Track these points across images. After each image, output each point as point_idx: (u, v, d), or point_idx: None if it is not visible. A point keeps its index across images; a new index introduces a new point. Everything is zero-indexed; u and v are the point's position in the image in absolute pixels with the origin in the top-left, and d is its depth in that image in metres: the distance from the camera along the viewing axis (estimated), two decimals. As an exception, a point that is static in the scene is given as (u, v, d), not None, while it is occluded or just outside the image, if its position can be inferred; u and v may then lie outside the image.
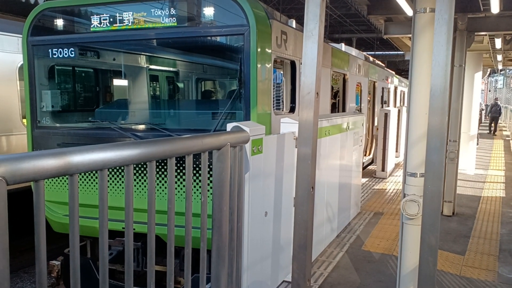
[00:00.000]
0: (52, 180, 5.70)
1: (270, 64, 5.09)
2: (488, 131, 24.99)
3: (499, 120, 26.98)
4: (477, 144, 14.88)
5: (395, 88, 16.03)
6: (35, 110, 5.84)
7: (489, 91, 51.25)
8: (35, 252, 1.79)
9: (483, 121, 27.76)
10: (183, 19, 5.18)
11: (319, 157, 5.03)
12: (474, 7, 6.45)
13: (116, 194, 5.33)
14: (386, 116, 10.59)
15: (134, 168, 5.11)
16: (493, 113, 25.04)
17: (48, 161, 1.76)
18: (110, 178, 5.34)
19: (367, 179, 10.40)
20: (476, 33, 7.57)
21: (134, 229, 2.40)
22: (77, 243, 2.00)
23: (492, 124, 24.97)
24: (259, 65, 4.85)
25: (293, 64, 5.83)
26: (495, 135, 23.97)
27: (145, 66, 6.73)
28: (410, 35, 3.64)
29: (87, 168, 1.95)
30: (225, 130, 3.45)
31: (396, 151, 12.29)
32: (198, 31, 5.19)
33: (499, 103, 26.94)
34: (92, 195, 5.45)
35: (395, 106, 15.33)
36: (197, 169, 4.73)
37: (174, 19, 5.10)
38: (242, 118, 4.90)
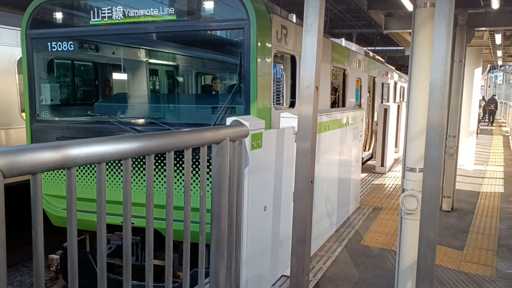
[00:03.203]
0: (52, 173, 5.70)
1: (270, 59, 5.08)
2: (486, 123, 28.86)
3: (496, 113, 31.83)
4: (477, 133, 15.02)
5: (395, 84, 16.01)
6: (34, 103, 5.82)
7: (489, 87, 51.18)
8: (33, 245, 1.78)
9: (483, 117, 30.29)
10: (182, 13, 5.16)
11: (318, 152, 5.02)
12: (475, 3, 6.43)
13: (115, 188, 5.33)
14: (386, 111, 10.58)
15: (133, 162, 5.11)
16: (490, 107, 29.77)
17: (46, 154, 1.75)
18: (110, 172, 5.34)
19: (366, 174, 10.41)
20: (476, 29, 7.55)
21: (133, 223, 2.40)
22: (75, 237, 2.00)
23: (490, 118, 29.39)
24: (259, 60, 4.84)
25: (293, 59, 5.81)
26: (493, 126, 27.52)
27: (144, 60, 6.71)
28: (410, 30, 3.63)
29: (84, 161, 1.94)
30: (225, 124, 3.44)
31: (396, 147, 12.29)
32: (198, 25, 5.17)
33: (496, 98, 31.80)
34: (91, 189, 5.45)
35: (394, 102, 15.32)
36: (196, 163, 4.73)
37: (173, 13, 5.08)
38: (242, 112, 4.89)
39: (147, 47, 6.58)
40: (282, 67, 6.19)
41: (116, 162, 5.23)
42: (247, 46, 4.78)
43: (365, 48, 12.99)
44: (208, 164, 2.94)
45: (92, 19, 5.38)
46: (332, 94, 9.08)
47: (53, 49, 5.68)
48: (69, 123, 5.86)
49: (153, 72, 7.12)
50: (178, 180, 4.97)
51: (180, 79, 7.61)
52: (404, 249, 3.56)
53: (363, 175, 10.13)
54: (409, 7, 6.08)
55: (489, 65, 22.95)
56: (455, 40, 7.10)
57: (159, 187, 5.06)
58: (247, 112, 4.85)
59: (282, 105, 6.00)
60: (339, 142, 5.99)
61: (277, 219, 4.17)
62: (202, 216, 2.90)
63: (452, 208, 7.32)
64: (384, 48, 35.15)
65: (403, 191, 3.48)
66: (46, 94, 5.87)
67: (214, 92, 6.82)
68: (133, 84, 6.71)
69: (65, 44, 5.62)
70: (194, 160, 4.66)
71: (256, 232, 3.75)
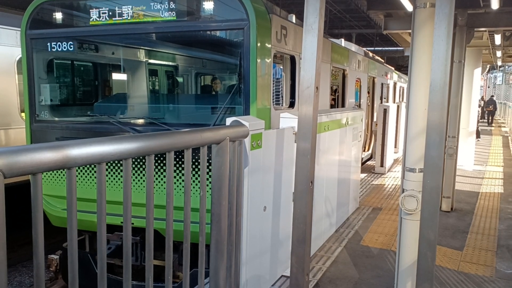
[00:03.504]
0: (51, 174, 5.70)
1: (270, 59, 5.08)
2: (486, 123, 29.48)
3: (495, 113, 32.51)
4: (478, 138, 15.00)
5: (395, 84, 16.02)
6: (33, 104, 5.82)
7: (488, 87, 51.19)
8: (33, 245, 1.78)
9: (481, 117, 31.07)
10: (182, 13, 5.16)
11: (318, 152, 5.02)
12: (474, 3, 6.43)
13: (115, 188, 5.33)
14: (385, 111, 10.58)
15: (133, 162, 5.11)
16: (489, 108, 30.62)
17: (46, 154, 1.75)
18: (109, 172, 5.34)
19: (366, 174, 10.41)
20: (475, 29, 7.55)
21: (132, 223, 2.40)
22: (75, 237, 2.00)
23: (489, 118, 30.10)
24: (258, 60, 4.84)
25: (292, 59, 5.81)
26: (492, 126, 28.39)
27: (144, 60, 6.71)
28: (409, 31, 3.63)
29: (85, 161, 1.94)
30: (225, 124, 3.44)
31: (395, 147, 12.30)
32: (198, 25, 5.17)
33: (494, 99, 32.31)
34: (91, 189, 5.45)
35: (394, 102, 15.33)
36: (196, 163, 4.73)
37: (173, 13, 5.08)
38: (241, 113, 4.89)
39: (146, 48, 6.58)
40: (281, 67, 6.20)
41: (116, 162, 5.23)
42: (247, 46, 4.78)
43: (364, 49, 13.00)
44: (208, 164, 2.95)
45: (91, 19, 5.38)
46: (331, 95, 9.08)
47: (53, 49, 5.68)
48: (68, 123, 5.86)
49: (152, 72, 7.12)
50: (178, 180, 4.96)
51: (180, 79, 7.61)
52: (404, 249, 3.56)
53: (363, 175, 10.13)
54: (409, 7, 6.08)
55: (488, 66, 22.98)
56: (454, 40, 7.10)
57: (159, 187, 5.06)
58: (246, 112, 4.85)
59: (282, 105, 6.00)
60: (339, 142, 5.99)
61: (276, 219, 4.17)
62: (202, 216, 2.90)
63: (451, 209, 7.32)
64: (383, 48, 35.15)
65: (403, 192, 3.48)
66: (45, 94, 5.87)
67: (213, 93, 6.83)
68: (132, 84, 6.71)
69: (64, 44, 5.62)
70: (194, 160, 4.65)
71: (255, 232, 3.75)
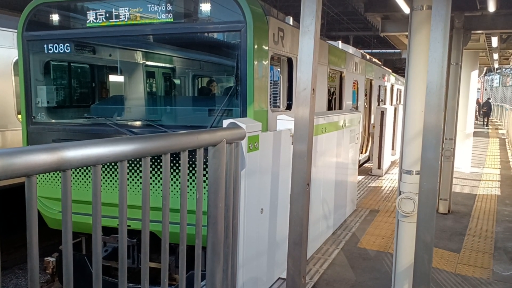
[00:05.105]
0: (47, 176, 5.68)
1: (267, 61, 5.08)
2: (482, 124, 30.70)
3: (490, 115, 33.72)
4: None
5: (392, 86, 16.05)
6: (30, 105, 5.80)
7: (485, 89, 51.35)
8: (27, 248, 1.77)
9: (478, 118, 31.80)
10: (179, 15, 5.16)
11: (315, 154, 5.02)
12: (471, 6, 6.45)
13: (111, 191, 5.31)
14: (383, 114, 10.59)
15: (129, 164, 5.10)
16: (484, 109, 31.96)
17: (41, 156, 1.74)
18: (106, 175, 5.32)
19: (363, 176, 10.41)
20: (472, 32, 7.58)
21: (129, 226, 2.38)
22: (70, 239, 1.99)
23: (485, 119, 31.55)
24: (256, 62, 4.83)
25: (290, 61, 5.81)
26: (488, 127, 29.34)
27: (141, 62, 6.70)
28: (406, 33, 3.64)
29: (80, 163, 1.93)
30: (222, 126, 3.43)
31: (392, 149, 12.31)
32: (195, 27, 5.17)
33: (490, 101, 33.62)
34: (87, 191, 5.43)
35: (391, 104, 15.34)
36: (193, 165, 4.72)
37: (170, 15, 5.08)
38: (238, 115, 4.88)
39: (144, 49, 6.57)
40: (279, 69, 6.19)
41: (113, 164, 5.21)
42: (244, 48, 4.78)
43: (362, 51, 13.02)
44: (204, 166, 2.94)
45: (88, 21, 5.37)
46: (328, 97, 9.09)
47: (50, 51, 5.67)
48: (65, 125, 5.84)
49: (149, 74, 7.11)
50: (174, 182, 4.95)
51: (177, 81, 7.60)
52: (401, 251, 3.56)
53: (360, 177, 10.13)
54: (406, 9, 6.10)
55: (485, 68, 23.07)
56: (451, 42, 7.12)
57: (156, 189, 5.05)
58: (244, 114, 4.85)
59: (279, 107, 6.00)
60: (336, 144, 5.99)
61: (273, 221, 4.16)
62: (199, 218, 2.89)
63: (448, 211, 7.33)
64: (381, 50, 35.26)
65: (400, 194, 3.48)
66: (42, 96, 5.85)
67: (211, 95, 6.82)
68: (129, 86, 6.70)
69: (61, 46, 5.61)
70: (190, 162, 4.65)
71: (252, 235, 3.74)
